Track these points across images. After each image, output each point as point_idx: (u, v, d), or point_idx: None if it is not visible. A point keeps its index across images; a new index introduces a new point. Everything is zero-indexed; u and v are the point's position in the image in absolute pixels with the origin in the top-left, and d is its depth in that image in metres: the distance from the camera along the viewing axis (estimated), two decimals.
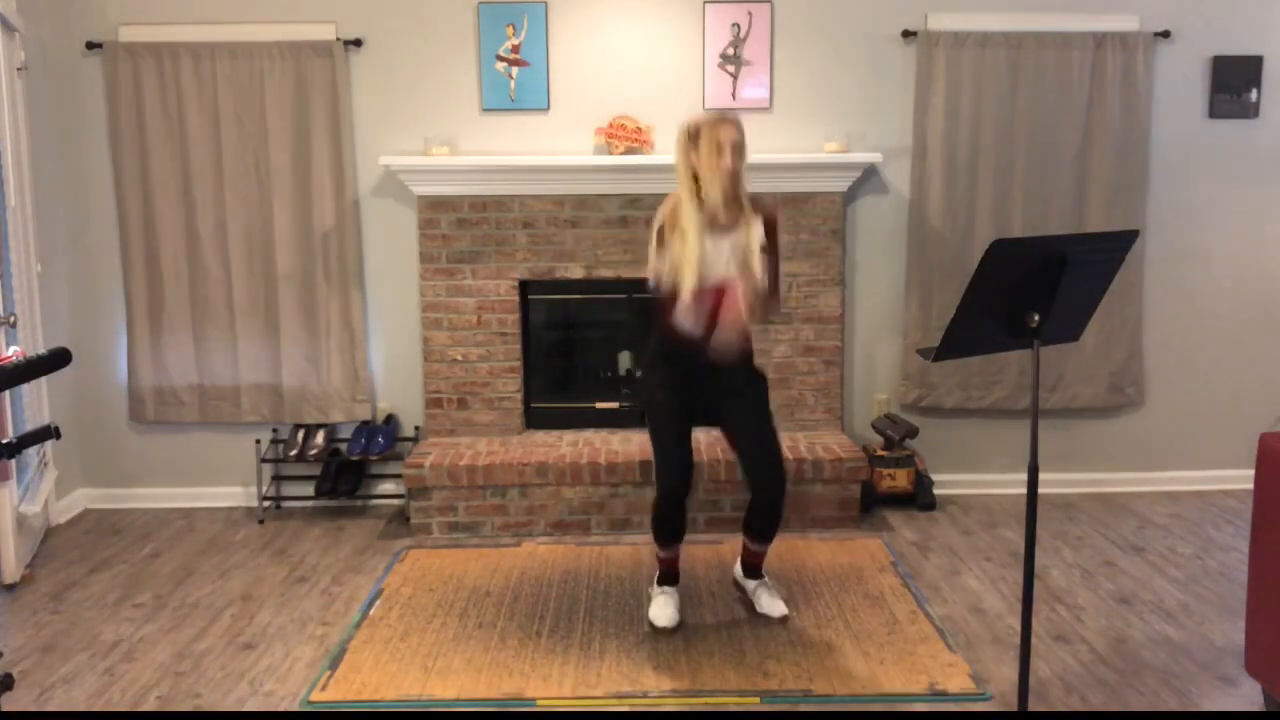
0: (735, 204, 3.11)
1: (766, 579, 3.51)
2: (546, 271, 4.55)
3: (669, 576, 3.44)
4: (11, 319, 3.76)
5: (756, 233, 3.12)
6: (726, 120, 3.07)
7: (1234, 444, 4.68)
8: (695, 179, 3.08)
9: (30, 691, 2.97)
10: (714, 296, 3.08)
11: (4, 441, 2.10)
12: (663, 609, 3.35)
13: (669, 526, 3.30)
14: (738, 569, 3.60)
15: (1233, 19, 4.53)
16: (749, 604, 3.49)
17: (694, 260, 3.03)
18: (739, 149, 3.04)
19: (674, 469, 3.22)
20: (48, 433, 2.18)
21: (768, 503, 3.27)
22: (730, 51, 4.50)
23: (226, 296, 4.54)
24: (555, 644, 3.23)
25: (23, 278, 4.03)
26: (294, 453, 4.56)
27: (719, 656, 3.13)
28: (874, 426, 4.61)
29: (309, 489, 4.63)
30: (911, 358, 4.60)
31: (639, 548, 3.97)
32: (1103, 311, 4.39)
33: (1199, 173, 4.62)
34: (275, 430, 4.67)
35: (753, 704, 2.87)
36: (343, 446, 4.61)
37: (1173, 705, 2.84)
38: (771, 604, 3.41)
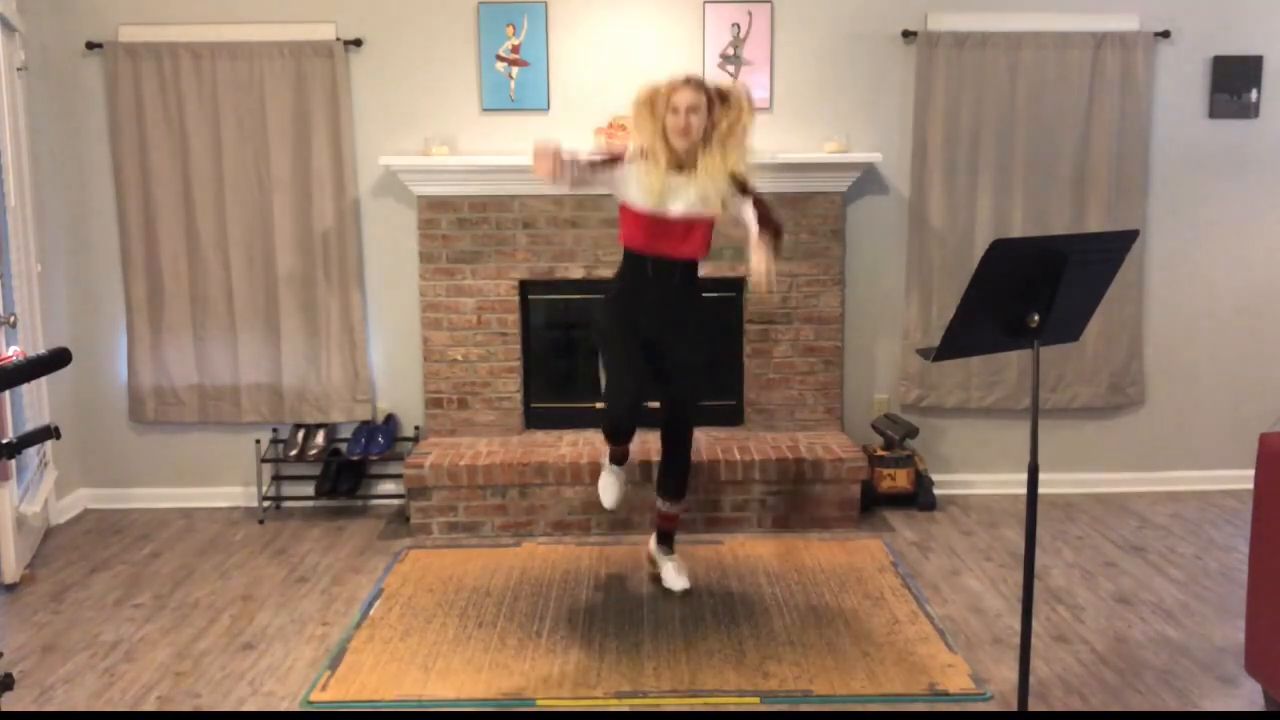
0: (693, 157, 3.28)
1: (676, 556, 3.66)
2: (546, 271, 4.55)
3: (618, 457, 3.61)
4: (11, 319, 3.76)
5: (718, 180, 3.26)
6: (689, 83, 3.25)
7: (1234, 444, 4.68)
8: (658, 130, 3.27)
9: (30, 691, 2.97)
10: (679, 229, 3.31)
11: (4, 441, 2.10)
12: (608, 488, 3.58)
13: (617, 436, 3.46)
14: (652, 543, 3.72)
15: (1233, 19, 4.53)
16: (665, 581, 3.60)
17: (659, 188, 3.25)
18: (695, 109, 3.22)
19: (623, 399, 3.36)
20: (48, 433, 2.18)
21: (675, 440, 3.48)
22: (730, 51, 4.50)
23: (226, 296, 4.54)
24: (555, 644, 3.23)
25: (23, 278, 4.03)
26: (294, 453, 4.56)
27: (719, 656, 3.13)
28: (874, 426, 4.60)
29: (309, 489, 4.63)
30: (911, 358, 4.60)
31: (639, 548, 3.97)
32: (1103, 311, 4.39)
33: (1199, 173, 4.62)
34: (275, 430, 4.67)
35: (753, 704, 2.87)
36: (343, 446, 4.62)
37: (1173, 705, 2.84)
38: (676, 578, 3.57)
